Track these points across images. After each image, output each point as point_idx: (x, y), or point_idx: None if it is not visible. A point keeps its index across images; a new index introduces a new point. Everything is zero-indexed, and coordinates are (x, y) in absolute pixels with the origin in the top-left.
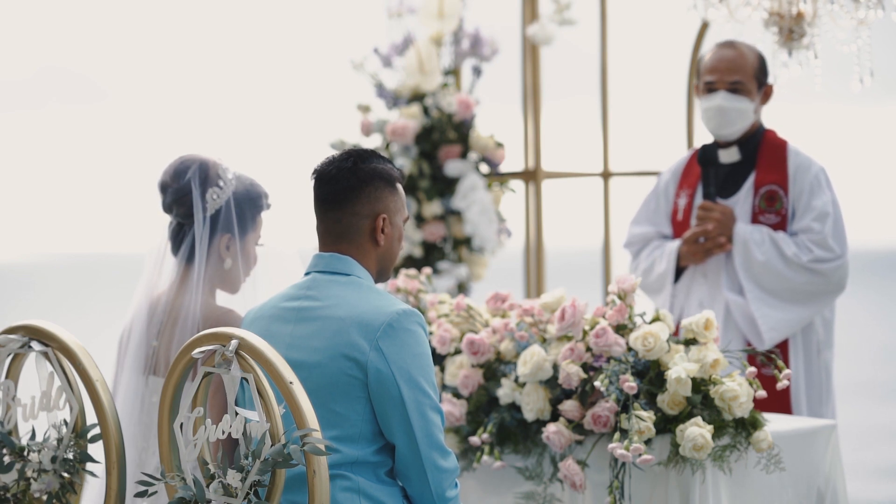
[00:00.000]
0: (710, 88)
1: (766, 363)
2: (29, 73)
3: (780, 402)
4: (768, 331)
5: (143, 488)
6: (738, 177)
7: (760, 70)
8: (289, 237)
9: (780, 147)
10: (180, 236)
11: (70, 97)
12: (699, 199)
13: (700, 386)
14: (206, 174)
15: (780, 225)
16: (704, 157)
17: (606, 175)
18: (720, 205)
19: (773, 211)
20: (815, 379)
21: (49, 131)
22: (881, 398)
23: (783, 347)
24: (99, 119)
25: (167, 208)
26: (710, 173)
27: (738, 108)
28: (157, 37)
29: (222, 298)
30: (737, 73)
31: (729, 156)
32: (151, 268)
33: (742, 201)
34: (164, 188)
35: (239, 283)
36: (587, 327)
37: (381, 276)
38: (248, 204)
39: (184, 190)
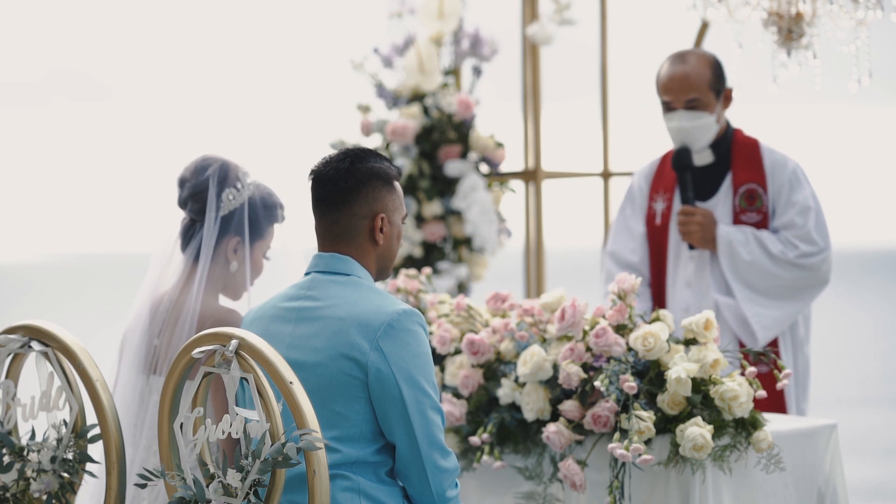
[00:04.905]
0: (668, 108)
1: (757, 361)
2: (36, 75)
3: (775, 400)
4: (761, 329)
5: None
6: (714, 178)
7: (716, 79)
8: (292, 237)
9: (752, 146)
10: (191, 233)
11: (74, 95)
12: (678, 204)
13: (700, 386)
14: (225, 174)
15: (762, 223)
16: (679, 163)
17: (606, 175)
18: (700, 208)
19: (754, 209)
20: (800, 374)
21: (52, 130)
22: (879, 404)
23: (774, 345)
24: (102, 117)
25: (182, 203)
26: (686, 178)
27: (698, 126)
28: (159, 37)
29: (224, 302)
30: (692, 91)
31: (702, 158)
32: (158, 265)
33: (721, 202)
34: (182, 183)
35: (241, 290)
36: (587, 327)
37: (380, 275)
38: (263, 212)
39: (201, 186)
